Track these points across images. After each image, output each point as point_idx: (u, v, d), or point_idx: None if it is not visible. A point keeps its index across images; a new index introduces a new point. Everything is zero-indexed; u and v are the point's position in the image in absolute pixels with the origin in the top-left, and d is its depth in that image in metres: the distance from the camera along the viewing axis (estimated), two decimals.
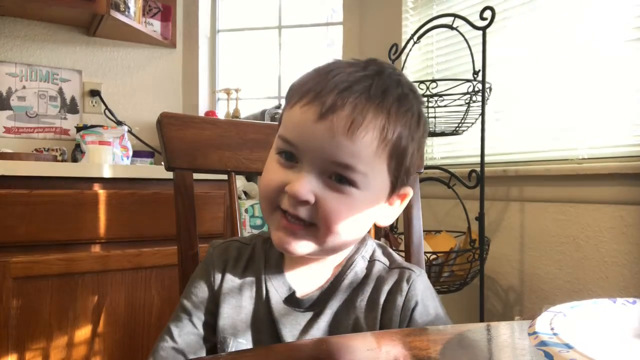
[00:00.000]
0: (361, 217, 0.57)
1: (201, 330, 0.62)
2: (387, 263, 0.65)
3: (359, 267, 0.64)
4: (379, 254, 0.66)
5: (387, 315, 0.60)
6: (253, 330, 0.61)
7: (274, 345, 0.55)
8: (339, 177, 0.54)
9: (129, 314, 1.54)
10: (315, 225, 0.55)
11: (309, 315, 0.61)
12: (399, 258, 0.67)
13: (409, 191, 0.62)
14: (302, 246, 0.56)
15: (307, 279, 0.63)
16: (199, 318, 0.63)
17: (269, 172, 0.58)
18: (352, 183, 0.54)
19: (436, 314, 0.62)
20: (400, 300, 0.61)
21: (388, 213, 0.62)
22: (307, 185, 0.53)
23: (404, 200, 0.63)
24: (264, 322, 0.61)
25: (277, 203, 0.56)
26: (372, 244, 0.67)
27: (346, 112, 0.53)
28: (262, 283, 0.63)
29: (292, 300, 0.61)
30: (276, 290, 0.62)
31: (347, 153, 0.53)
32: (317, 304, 0.61)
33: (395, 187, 0.60)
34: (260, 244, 0.66)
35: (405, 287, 0.61)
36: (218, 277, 0.64)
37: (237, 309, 0.62)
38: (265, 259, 0.65)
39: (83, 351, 1.47)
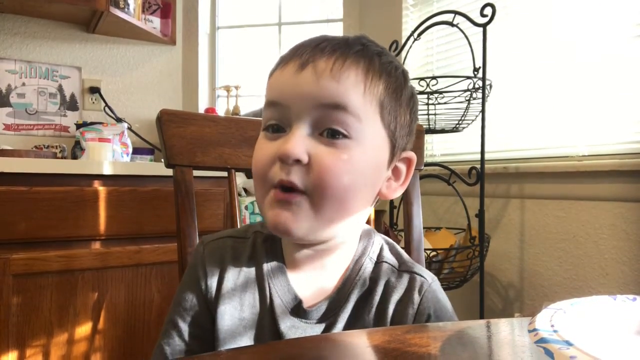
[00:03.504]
0: (361, 177, 0.52)
1: (194, 346, 0.58)
2: (396, 264, 0.60)
3: (367, 271, 0.59)
4: (386, 253, 0.61)
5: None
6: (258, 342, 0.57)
7: (275, 342, 0.54)
8: (331, 131, 0.51)
9: (129, 311, 1.54)
10: (311, 195, 0.51)
11: (320, 327, 0.57)
12: (408, 257, 0.62)
13: (412, 155, 0.58)
14: (300, 223, 0.51)
15: (312, 286, 0.58)
16: (190, 334, 0.58)
17: (259, 149, 0.55)
18: (345, 134, 0.51)
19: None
20: (411, 312, 0.57)
21: (392, 181, 0.58)
22: (299, 142, 0.50)
23: (410, 167, 0.59)
24: (270, 334, 0.56)
25: (271, 181, 0.52)
26: (379, 241, 0.62)
27: (325, 57, 0.52)
28: (265, 288, 0.57)
29: (299, 311, 0.57)
30: (281, 298, 0.57)
31: (335, 93, 0.51)
32: (327, 315, 0.57)
33: (395, 145, 0.56)
34: (261, 242, 0.60)
35: (416, 297, 0.57)
36: (212, 281, 0.58)
37: (239, 317, 0.57)
38: (267, 259, 0.59)
39: (83, 348, 1.47)
